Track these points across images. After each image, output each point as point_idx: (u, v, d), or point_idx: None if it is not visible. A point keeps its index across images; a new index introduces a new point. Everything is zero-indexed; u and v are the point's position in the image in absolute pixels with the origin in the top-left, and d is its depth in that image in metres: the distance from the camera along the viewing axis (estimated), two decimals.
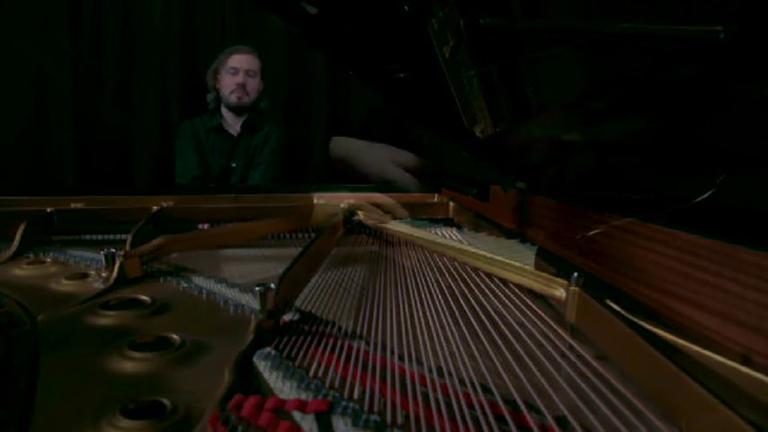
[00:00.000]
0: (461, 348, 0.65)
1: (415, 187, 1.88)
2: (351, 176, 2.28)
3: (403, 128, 2.38)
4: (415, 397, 0.52)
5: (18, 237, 1.17)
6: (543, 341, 0.66)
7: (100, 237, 1.34)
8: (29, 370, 0.61)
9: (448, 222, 1.52)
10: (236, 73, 2.53)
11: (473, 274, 0.95)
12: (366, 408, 0.50)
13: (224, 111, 2.61)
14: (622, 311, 0.63)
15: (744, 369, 0.52)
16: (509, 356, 0.62)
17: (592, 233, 0.88)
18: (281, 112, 2.98)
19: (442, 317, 0.76)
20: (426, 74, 1.11)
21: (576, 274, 0.72)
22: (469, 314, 0.77)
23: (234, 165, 2.57)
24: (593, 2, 0.88)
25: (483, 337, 0.69)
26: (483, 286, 0.89)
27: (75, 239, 1.31)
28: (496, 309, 0.78)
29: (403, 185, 1.91)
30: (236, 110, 2.58)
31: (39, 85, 2.78)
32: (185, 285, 0.94)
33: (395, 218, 1.49)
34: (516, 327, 0.71)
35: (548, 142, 1.12)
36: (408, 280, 0.95)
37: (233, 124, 2.61)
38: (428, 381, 0.56)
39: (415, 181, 1.92)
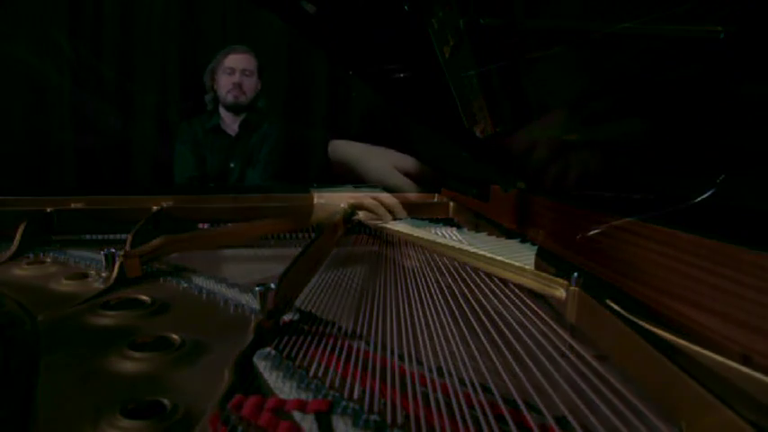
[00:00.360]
0: (461, 348, 0.65)
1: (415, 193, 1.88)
2: (351, 180, 2.28)
3: (403, 128, 2.37)
4: (415, 397, 0.52)
5: (18, 237, 1.17)
6: (543, 341, 0.66)
7: (100, 237, 1.34)
8: (29, 370, 0.61)
9: (448, 222, 1.52)
10: (233, 73, 2.53)
11: (473, 274, 0.95)
12: (366, 408, 0.50)
13: (222, 111, 2.61)
14: (622, 311, 0.63)
15: (744, 369, 0.52)
16: (509, 356, 0.62)
17: (592, 233, 0.88)
18: (280, 112, 2.99)
19: (442, 317, 0.76)
20: (426, 74, 1.11)
21: (575, 274, 0.72)
22: (469, 314, 0.77)
23: (232, 165, 2.57)
24: (593, 2, 0.88)
25: (483, 337, 0.69)
26: (483, 286, 0.89)
27: (75, 239, 1.31)
28: (496, 309, 0.78)
29: (404, 192, 1.90)
30: (234, 109, 2.58)
31: (38, 86, 2.79)
32: (185, 285, 0.94)
33: (395, 218, 1.49)
34: (516, 327, 0.71)
35: (548, 142, 1.12)
36: (408, 280, 0.95)
37: (231, 124, 2.61)
38: (428, 381, 0.56)
39: (416, 188, 1.91)
